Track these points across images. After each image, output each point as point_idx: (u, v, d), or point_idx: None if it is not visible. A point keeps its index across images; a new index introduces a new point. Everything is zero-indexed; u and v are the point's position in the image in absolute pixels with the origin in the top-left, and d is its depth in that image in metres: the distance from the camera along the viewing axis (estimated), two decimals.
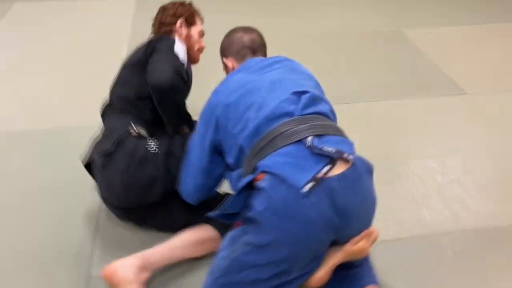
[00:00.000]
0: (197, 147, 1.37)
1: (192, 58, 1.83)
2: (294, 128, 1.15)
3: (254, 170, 1.15)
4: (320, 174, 1.06)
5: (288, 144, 1.12)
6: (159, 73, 1.46)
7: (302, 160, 1.09)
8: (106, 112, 1.68)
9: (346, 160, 1.10)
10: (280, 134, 1.15)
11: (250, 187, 1.13)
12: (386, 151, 2.10)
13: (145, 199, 1.50)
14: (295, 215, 1.05)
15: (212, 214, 1.21)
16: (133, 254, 1.39)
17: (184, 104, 1.72)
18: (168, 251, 1.44)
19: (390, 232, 1.65)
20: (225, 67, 1.57)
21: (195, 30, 1.82)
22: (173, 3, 1.83)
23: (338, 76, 2.77)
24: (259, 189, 1.09)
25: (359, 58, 3.01)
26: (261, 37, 1.57)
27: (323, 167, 1.07)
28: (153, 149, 1.48)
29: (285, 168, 1.08)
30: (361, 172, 1.14)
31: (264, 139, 1.16)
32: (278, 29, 3.43)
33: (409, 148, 2.15)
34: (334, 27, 3.46)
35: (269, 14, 3.64)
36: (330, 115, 1.27)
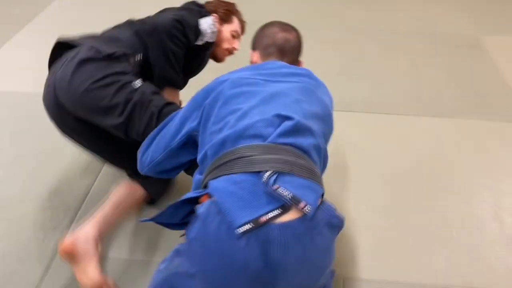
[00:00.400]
0: (175, 125, 1.25)
1: (216, 54, 1.82)
2: (258, 156, 1.02)
3: (205, 186, 1.06)
4: (264, 218, 0.93)
5: (244, 172, 1.00)
6: (159, 18, 1.54)
7: (253, 195, 0.96)
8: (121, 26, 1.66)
9: (301, 210, 0.96)
10: (242, 157, 1.03)
11: (196, 202, 1.04)
12: (437, 178, 1.89)
13: (94, 119, 1.43)
14: (222, 256, 0.95)
15: (144, 220, 1.10)
16: (86, 223, 1.39)
17: (176, 58, 1.59)
18: (110, 216, 1.44)
19: None
20: (251, 60, 1.46)
21: (227, 28, 1.79)
22: None
23: (391, 80, 2.55)
24: (197, 214, 1.00)
25: (421, 61, 2.73)
26: (298, 39, 1.43)
27: (272, 210, 0.94)
28: (136, 85, 1.41)
29: (230, 199, 0.96)
30: (317, 226, 0.98)
31: (226, 156, 1.06)
32: (340, 16, 3.24)
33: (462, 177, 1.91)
34: (403, 22, 3.18)
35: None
36: (311, 152, 1.10)
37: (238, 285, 0.96)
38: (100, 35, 1.59)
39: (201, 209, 1.00)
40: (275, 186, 0.96)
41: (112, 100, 1.37)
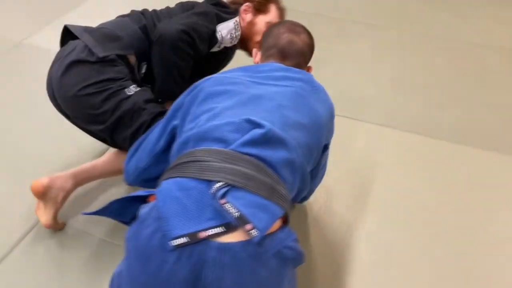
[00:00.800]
0: (159, 128, 1.20)
1: (250, 49, 1.63)
2: (214, 163, 0.92)
3: (159, 185, 0.98)
4: (203, 234, 0.83)
5: (196, 178, 0.91)
6: (167, 25, 1.40)
7: (197, 206, 0.87)
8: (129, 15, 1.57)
9: (247, 233, 0.85)
10: (197, 161, 0.94)
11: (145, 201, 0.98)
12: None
13: (81, 123, 1.48)
14: (148, 266, 0.85)
15: (87, 213, 1.06)
16: (66, 173, 1.45)
17: (180, 72, 1.46)
18: (89, 173, 1.49)
19: None
20: (254, 60, 1.38)
21: (262, 19, 1.63)
22: None
23: (454, 100, 2.24)
24: (139, 214, 0.93)
25: (498, 83, 2.37)
26: (306, 43, 1.31)
27: (214, 227, 0.84)
28: (129, 92, 1.36)
29: (172, 206, 0.87)
30: (263, 255, 0.86)
31: (184, 157, 0.97)
32: (414, 16, 2.96)
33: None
34: (485, 33, 2.80)
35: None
36: (280, 168, 0.96)
37: None
38: (102, 28, 1.48)
39: (144, 209, 0.93)
40: (223, 201, 0.86)
41: (99, 109, 1.33)
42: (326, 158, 1.36)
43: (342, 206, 1.64)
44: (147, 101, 1.37)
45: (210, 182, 0.89)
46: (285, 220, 0.97)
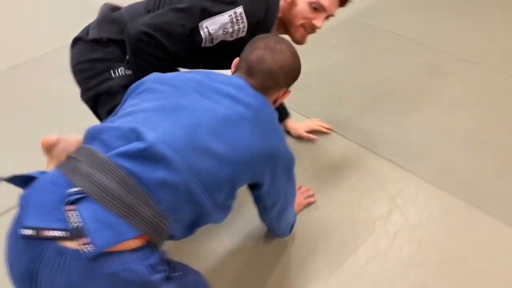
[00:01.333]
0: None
1: (292, 34, 1.44)
2: (84, 167, 0.90)
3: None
4: (46, 233, 0.83)
5: (67, 176, 0.90)
6: (133, 24, 1.27)
7: (54, 204, 0.86)
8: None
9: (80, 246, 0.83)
10: (75, 160, 0.93)
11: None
12: None
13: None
14: (8, 246, 0.89)
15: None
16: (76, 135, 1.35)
17: (149, 72, 1.30)
18: None
19: None
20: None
21: None
22: None
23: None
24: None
25: None
26: (279, 63, 1.14)
27: (59, 229, 0.83)
28: (114, 73, 1.37)
29: (37, 196, 0.89)
30: (95, 270, 0.83)
31: (75, 151, 0.97)
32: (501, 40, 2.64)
33: None
34: None
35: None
36: (151, 188, 0.90)
37: (15, 281, 0.89)
38: (115, 11, 1.46)
39: (24, 192, 0.92)
40: (69, 207, 0.85)
41: (85, 84, 1.40)
42: (279, 200, 1.24)
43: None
44: (126, 86, 1.26)
45: (69, 182, 0.89)
46: (151, 242, 0.92)
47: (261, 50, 1.16)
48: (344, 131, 2.04)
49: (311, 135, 1.96)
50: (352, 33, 2.84)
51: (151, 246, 0.92)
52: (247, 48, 1.19)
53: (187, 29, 1.28)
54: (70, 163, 0.93)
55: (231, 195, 1.09)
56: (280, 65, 1.15)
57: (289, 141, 1.86)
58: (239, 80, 1.13)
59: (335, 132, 2.04)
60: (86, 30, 1.44)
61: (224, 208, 1.10)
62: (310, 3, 1.37)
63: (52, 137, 1.27)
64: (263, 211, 1.30)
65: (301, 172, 1.67)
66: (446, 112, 2.17)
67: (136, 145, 0.92)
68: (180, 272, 1.00)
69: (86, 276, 0.84)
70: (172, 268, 0.98)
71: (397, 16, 3.00)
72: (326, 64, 2.53)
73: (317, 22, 1.40)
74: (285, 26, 1.44)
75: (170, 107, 1.03)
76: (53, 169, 0.95)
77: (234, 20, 1.31)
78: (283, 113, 1.88)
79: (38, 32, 2.85)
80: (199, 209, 1.00)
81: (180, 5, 1.29)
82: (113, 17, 1.43)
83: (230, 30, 1.32)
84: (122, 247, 0.86)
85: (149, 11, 1.38)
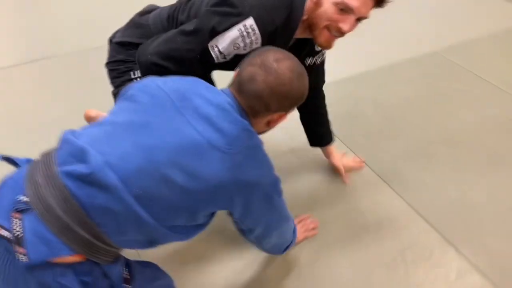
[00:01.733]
0: None
1: (316, 37, 1.31)
2: (38, 176, 0.91)
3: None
4: (1, 231, 0.87)
5: (24, 178, 0.92)
6: (144, 51, 1.29)
7: (9, 205, 0.88)
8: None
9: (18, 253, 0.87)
10: (39, 162, 0.95)
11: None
12: None
13: None
14: None
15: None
16: None
17: None
18: None
19: None
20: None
21: None
22: None
23: None
24: None
25: None
26: (270, 87, 1.01)
27: (7, 230, 0.86)
28: (133, 75, 1.39)
29: (3, 187, 0.93)
30: (26, 275, 0.88)
31: (46, 153, 0.98)
32: None
33: None
34: None
35: None
36: (91, 212, 0.89)
37: None
38: (142, 15, 1.48)
39: (2, 180, 0.96)
40: (16, 214, 0.87)
41: (112, 84, 1.45)
42: (257, 227, 1.16)
43: None
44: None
45: (23, 191, 0.90)
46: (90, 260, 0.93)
47: (255, 67, 1.04)
48: (383, 174, 1.88)
49: (345, 178, 1.82)
50: (431, 67, 2.62)
51: (91, 263, 0.92)
52: (246, 59, 1.09)
53: (196, 53, 1.24)
54: (37, 164, 0.95)
55: (193, 220, 1.02)
56: (272, 89, 1.02)
57: (328, 174, 1.85)
58: (227, 99, 1.04)
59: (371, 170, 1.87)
60: (116, 32, 1.51)
61: (189, 229, 1.04)
62: (336, 4, 1.23)
63: (92, 111, 1.35)
64: (240, 232, 1.23)
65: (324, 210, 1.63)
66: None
67: (81, 169, 0.91)
68: (131, 286, 1.01)
69: (21, 279, 0.89)
70: (125, 280, 0.99)
71: (485, 59, 2.72)
72: (391, 96, 2.36)
73: (344, 26, 1.24)
74: (310, 28, 1.31)
75: (138, 124, 0.98)
76: (32, 164, 0.97)
77: (245, 33, 1.21)
78: (326, 137, 1.79)
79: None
80: (150, 232, 0.97)
81: (189, 28, 1.26)
82: (139, 21, 1.46)
83: (242, 44, 1.23)
84: (58, 260, 0.89)
85: (168, 17, 1.40)
